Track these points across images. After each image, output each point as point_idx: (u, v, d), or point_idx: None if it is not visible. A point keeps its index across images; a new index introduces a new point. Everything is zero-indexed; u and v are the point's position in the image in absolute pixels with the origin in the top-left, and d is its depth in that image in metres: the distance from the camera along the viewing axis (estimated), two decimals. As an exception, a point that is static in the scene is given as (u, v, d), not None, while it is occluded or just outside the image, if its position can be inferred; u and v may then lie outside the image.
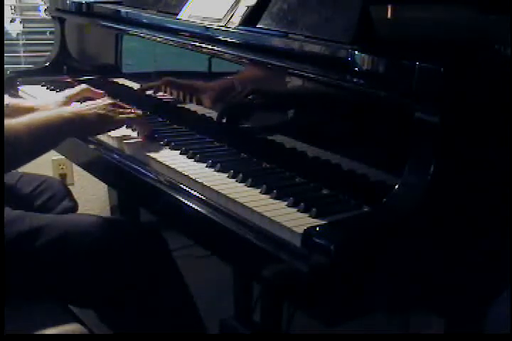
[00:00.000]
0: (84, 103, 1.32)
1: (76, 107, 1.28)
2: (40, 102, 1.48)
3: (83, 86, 1.50)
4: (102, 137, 1.37)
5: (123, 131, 1.35)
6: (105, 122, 1.29)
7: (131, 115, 1.32)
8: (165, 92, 1.53)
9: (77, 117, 1.24)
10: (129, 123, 1.34)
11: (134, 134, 1.35)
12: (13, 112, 1.30)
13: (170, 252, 1.32)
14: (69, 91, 1.48)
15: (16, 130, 1.14)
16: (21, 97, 1.76)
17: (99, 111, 1.27)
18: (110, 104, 1.30)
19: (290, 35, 1.16)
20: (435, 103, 0.90)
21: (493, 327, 1.07)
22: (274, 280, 0.97)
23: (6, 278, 1.15)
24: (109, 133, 1.34)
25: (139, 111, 1.36)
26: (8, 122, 1.15)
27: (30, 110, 1.38)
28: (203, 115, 1.40)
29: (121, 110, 1.31)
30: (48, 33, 2.46)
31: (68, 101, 1.45)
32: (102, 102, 1.30)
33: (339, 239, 0.84)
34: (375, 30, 1.07)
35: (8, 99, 1.50)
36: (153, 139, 1.33)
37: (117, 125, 1.32)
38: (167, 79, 1.52)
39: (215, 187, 1.07)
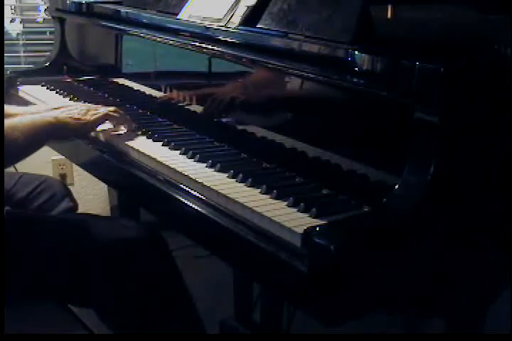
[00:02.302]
0: (62, 109, 1.37)
1: (56, 112, 1.35)
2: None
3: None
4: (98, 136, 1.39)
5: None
6: (81, 126, 1.35)
7: (101, 114, 1.37)
8: (165, 92, 1.53)
9: (58, 122, 1.30)
10: (104, 121, 1.39)
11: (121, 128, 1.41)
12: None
13: (170, 252, 1.32)
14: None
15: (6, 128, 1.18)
16: (21, 97, 1.76)
17: (75, 115, 1.34)
18: (85, 110, 1.37)
19: (290, 35, 1.16)
20: (435, 103, 0.90)
21: (493, 327, 1.07)
22: (274, 281, 0.97)
23: (6, 278, 1.15)
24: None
25: (111, 108, 1.41)
26: None
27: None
28: (203, 115, 1.40)
29: (94, 112, 1.37)
30: (48, 33, 2.46)
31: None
32: (75, 108, 1.37)
33: (339, 239, 0.84)
34: (375, 30, 1.07)
35: None
36: (134, 130, 1.38)
37: (92, 126, 1.37)
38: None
39: (215, 187, 1.07)
